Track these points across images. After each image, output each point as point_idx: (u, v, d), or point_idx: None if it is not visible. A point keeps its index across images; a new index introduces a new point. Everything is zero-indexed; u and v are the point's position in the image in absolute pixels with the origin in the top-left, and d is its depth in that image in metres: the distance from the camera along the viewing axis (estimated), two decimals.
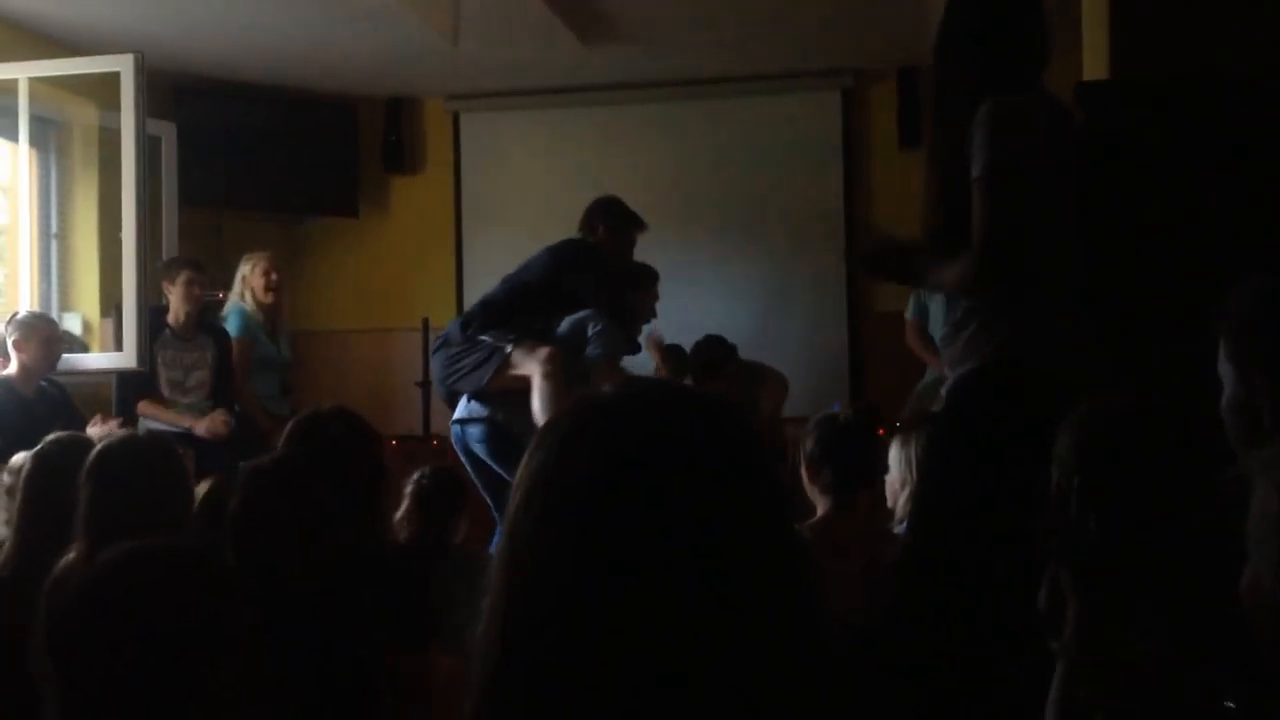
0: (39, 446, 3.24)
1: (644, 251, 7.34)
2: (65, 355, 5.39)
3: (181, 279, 5.57)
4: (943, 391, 2.86)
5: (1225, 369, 1.77)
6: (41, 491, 3.02)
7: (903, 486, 3.81)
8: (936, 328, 5.43)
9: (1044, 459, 2.72)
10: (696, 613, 0.93)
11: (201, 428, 5.35)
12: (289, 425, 2.88)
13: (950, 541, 2.61)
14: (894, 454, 3.88)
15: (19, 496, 3.13)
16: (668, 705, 0.92)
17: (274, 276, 6.00)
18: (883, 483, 3.70)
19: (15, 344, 5.04)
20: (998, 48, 2.77)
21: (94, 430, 4.80)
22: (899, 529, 3.60)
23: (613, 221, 5.20)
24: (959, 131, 2.70)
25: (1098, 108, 3.12)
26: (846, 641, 1.10)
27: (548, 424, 1.02)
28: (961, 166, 2.64)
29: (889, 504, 3.74)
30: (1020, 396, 2.63)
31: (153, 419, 5.40)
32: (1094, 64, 3.48)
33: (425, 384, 6.79)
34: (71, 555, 2.86)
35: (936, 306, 5.45)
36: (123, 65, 5.48)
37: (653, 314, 5.61)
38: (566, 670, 0.93)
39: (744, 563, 0.96)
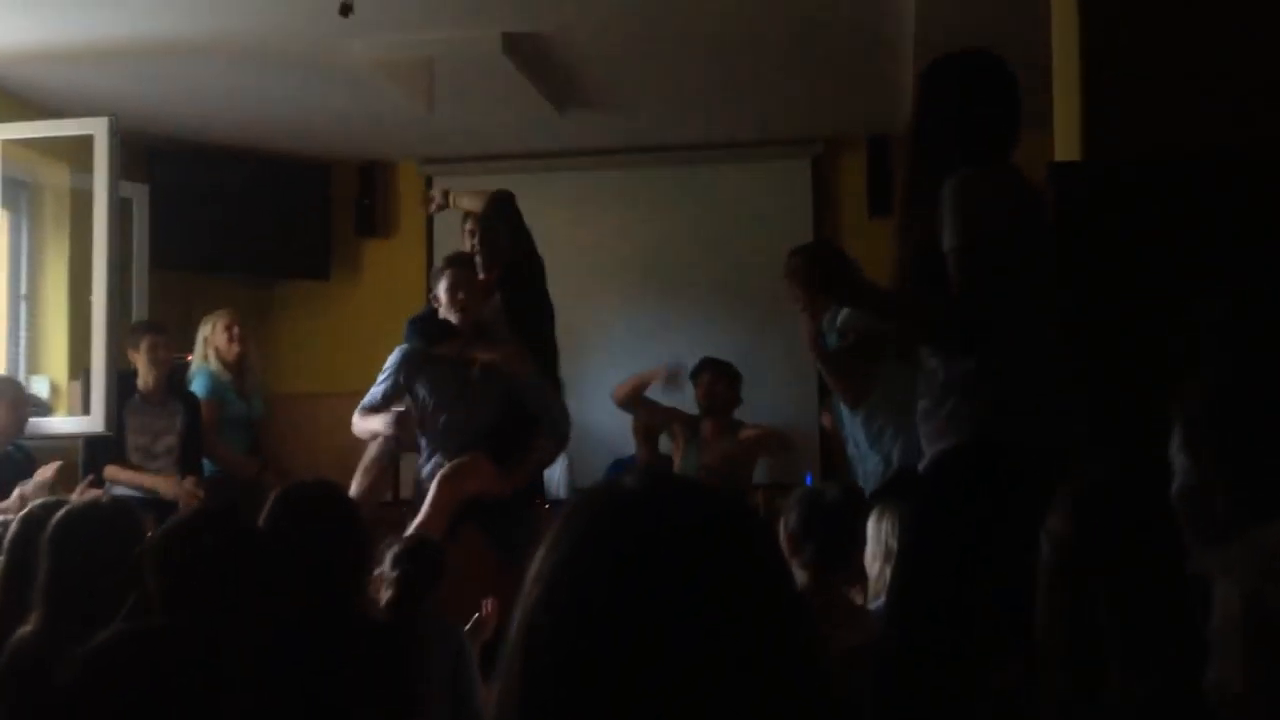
0: (25, 510, 3.20)
1: (614, 315, 7.40)
2: (32, 419, 5.34)
3: (145, 344, 5.55)
4: (920, 468, 2.87)
5: (1178, 457, 1.77)
6: (25, 557, 2.98)
7: (877, 561, 3.81)
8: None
9: (1024, 538, 2.74)
10: (720, 697, 0.93)
11: (179, 499, 5.28)
12: (273, 496, 2.85)
13: (929, 622, 2.61)
14: (870, 528, 3.88)
15: (45, 567, 3.09)
16: None
17: (236, 329, 5.99)
18: (861, 559, 3.71)
19: None
20: (968, 122, 2.81)
21: (37, 477, 4.76)
22: (874, 605, 3.60)
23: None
24: (928, 209, 2.74)
25: (1069, 188, 3.16)
26: None
27: (568, 512, 1.03)
28: (933, 240, 2.68)
29: (868, 577, 3.74)
30: (999, 474, 2.64)
31: (122, 484, 5.34)
32: (1066, 144, 3.53)
33: None
34: (29, 626, 2.82)
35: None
36: (96, 128, 5.48)
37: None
38: None
39: (767, 647, 0.96)
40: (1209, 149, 3.13)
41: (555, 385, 5.12)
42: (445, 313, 4.95)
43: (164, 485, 5.37)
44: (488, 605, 3.97)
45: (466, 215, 5.39)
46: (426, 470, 4.98)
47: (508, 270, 5.12)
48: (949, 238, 2.68)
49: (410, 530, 4.57)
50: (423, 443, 5.03)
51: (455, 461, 4.86)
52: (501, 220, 5.20)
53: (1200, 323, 2.86)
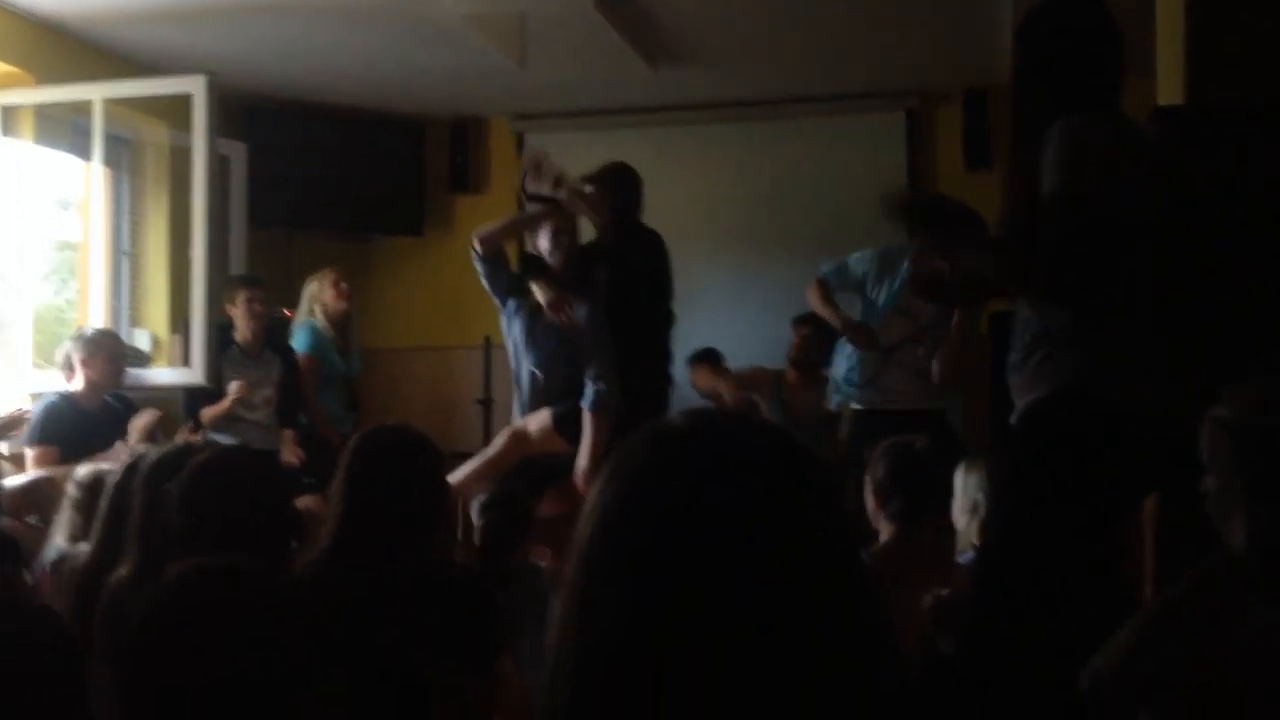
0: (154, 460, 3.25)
1: (705, 272, 7.36)
2: (134, 371, 5.46)
3: (241, 298, 5.64)
4: (1013, 419, 2.82)
5: None
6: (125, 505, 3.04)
7: (965, 514, 3.77)
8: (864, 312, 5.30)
9: (1116, 488, 2.69)
10: (770, 644, 0.92)
11: (283, 453, 5.39)
12: (351, 442, 2.88)
13: (1023, 573, 2.57)
14: (957, 482, 3.84)
15: (102, 512, 3.16)
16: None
17: (343, 286, 6.07)
18: (948, 513, 3.67)
19: (82, 360, 5.12)
20: (1072, 65, 2.74)
21: (133, 424, 4.87)
22: (963, 558, 3.56)
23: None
24: (1034, 152, 2.67)
25: (1173, 133, 3.07)
26: (913, 674, 1.08)
27: (620, 454, 1.02)
28: (1037, 187, 2.61)
29: (957, 530, 3.70)
30: (1092, 425, 2.59)
31: (212, 418, 5.44)
32: (1169, 88, 3.44)
33: (486, 401, 6.81)
34: (123, 571, 2.88)
35: (887, 321, 5.24)
36: (195, 86, 5.56)
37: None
38: (639, 704, 0.93)
39: (818, 594, 0.95)
40: None
41: (643, 370, 4.98)
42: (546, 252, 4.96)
43: (237, 388, 5.44)
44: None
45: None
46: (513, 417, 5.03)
47: (613, 240, 5.08)
48: (1048, 183, 2.62)
49: (459, 475, 4.60)
50: None
51: (521, 421, 4.89)
52: (618, 187, 5.14)
53: None
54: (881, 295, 5.29)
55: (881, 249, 5.39)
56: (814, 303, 5.42)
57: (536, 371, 4.91)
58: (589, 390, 4.72)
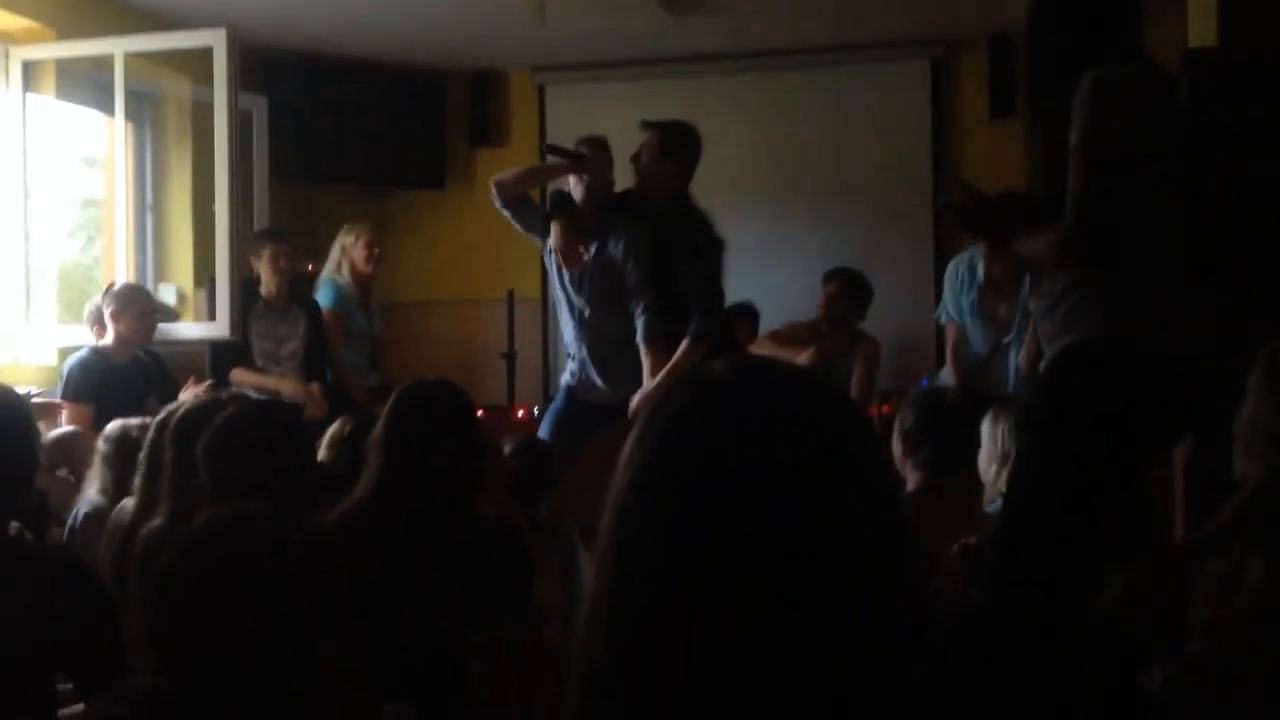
0: (158, 418, 3.27)
1: (733, 224, 7.32)
2: (161, 325, 5.49)
3: (266, 253, 5.64)
4: (1042, 366, 2.81)
5: None
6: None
7: (993, 464, 3.76)
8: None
9: (1144, 435, 2.68)
10: (808, 590, 0.92)
11: (307, 405, 5.41)
12: (395, 393, 2.88)
13: (1051, 520, 2.56)
14: (985, 430, 3.83)
15: (142, 463, 3.18)
16: (775, 683, 0.91)
17: (376, 250, 6.07)
18: (976, 461, 3.66)
19: (112, 315, 5.14)
20: (1093, 11, 2.71)
21: (185, 394, 4.90)
22: (991, 508, 3.55)
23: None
24: (1060, 102, 2.65)
25: (1204, 76, 3.03)
26: (942, 622, 1.08)
27: (659, 401, 1.02)
28: (1063, 136, 2.59)
29: (984, 480, 3.70)
30: (1122, 372, 2.58)
31: (248, 386, 5.47)
32: (1200, 30, 3.39)
33: (510, 355, 6.83)
34: (158, 521, 2.91)
35: (975, 328, 5.36)
36: (215, 40, 5.55)
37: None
38: (673, 652, 0.93)
39: (856, 541, 0.94)
40: None
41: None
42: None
43: (288, 386, 5.49)
44: None
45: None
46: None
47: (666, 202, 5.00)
48: (1075, 135, 2.60)
49: None
50: None
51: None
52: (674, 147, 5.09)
53: None
54: (964, 307, 5.36)
55: (948, 269, 5.56)
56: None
57: (585, 309, 4.87)
58: (640, 323, 4.70)
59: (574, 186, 4.95)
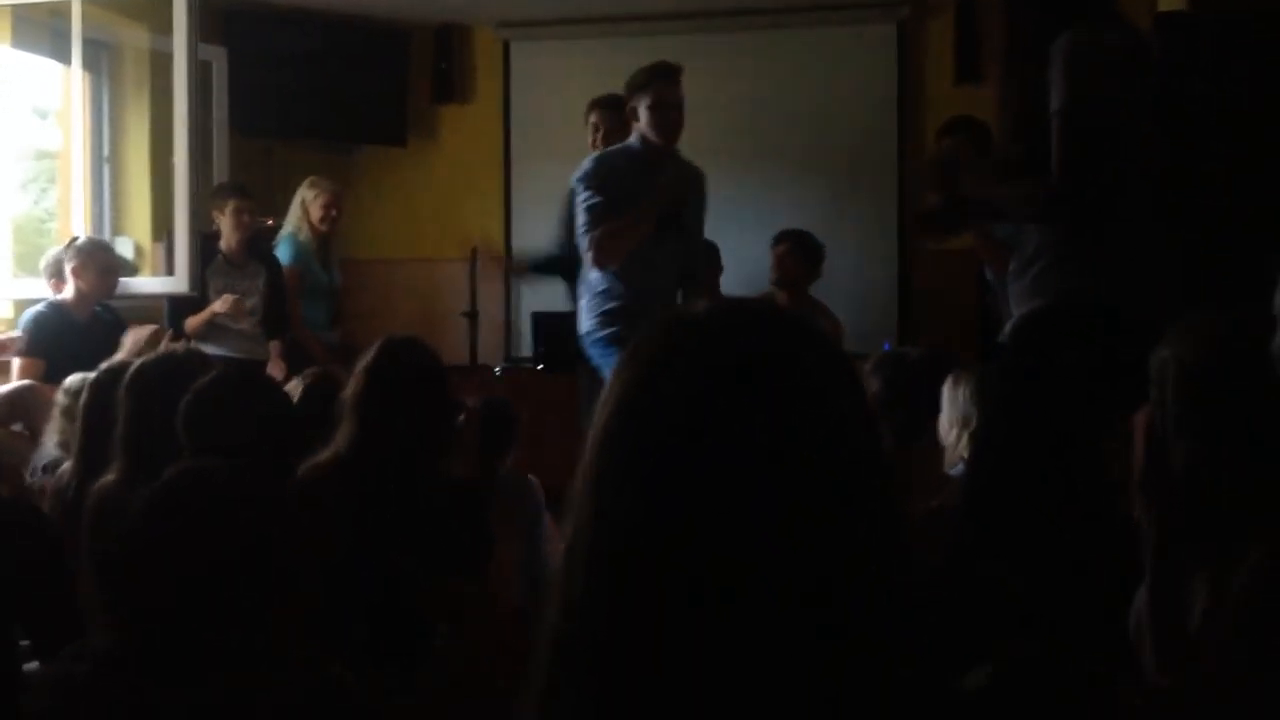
0: (95, 373, 3.24)
1: None
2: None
3: (229, 208, 5.57)
4: (1008, 329, 2.81)
5: None
6: (102, 419, 3.03)
7: (954, 427, 3.77)
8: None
9: (1114, 397, 2.68)
10: (788, 529, 0.90)
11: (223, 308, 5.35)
12: (371, 352, 2.85)
13: (1016, 482, 2.57)
14: (946, 394, 3.83)
15: (79, 420, 3.15)
16: (757, 626, 0.90)
17: (334, 211, 6.00)
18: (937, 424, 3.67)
19: (74, 270, 5.07)
20: None
21: (130, 337, 4.83)
22: (953, 471, 3.57)
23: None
24: (1034, 64, 2.64)
25: (1175, 40, 3.03)
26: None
27: (637, 341, 1.00)
28: (1040, 100, 2.59)
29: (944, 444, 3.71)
30: (1092, 334, 2.59)
31: (195, 327, 5.39)
32: None
33: (472, 314, 6.79)
34: (111, 476, 2.87)
35: None
36: None
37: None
38: (653, 599, 0.91)
39: (838, 478, 0.93)
40: None
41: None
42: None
43: (223, 303, 5.40)
44: None
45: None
46: None
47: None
48: (1056, 99, 2.60)
49: None
50: None
51: None
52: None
53: None
54: None
55: None
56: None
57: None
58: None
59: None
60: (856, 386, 1.00)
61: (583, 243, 4.33)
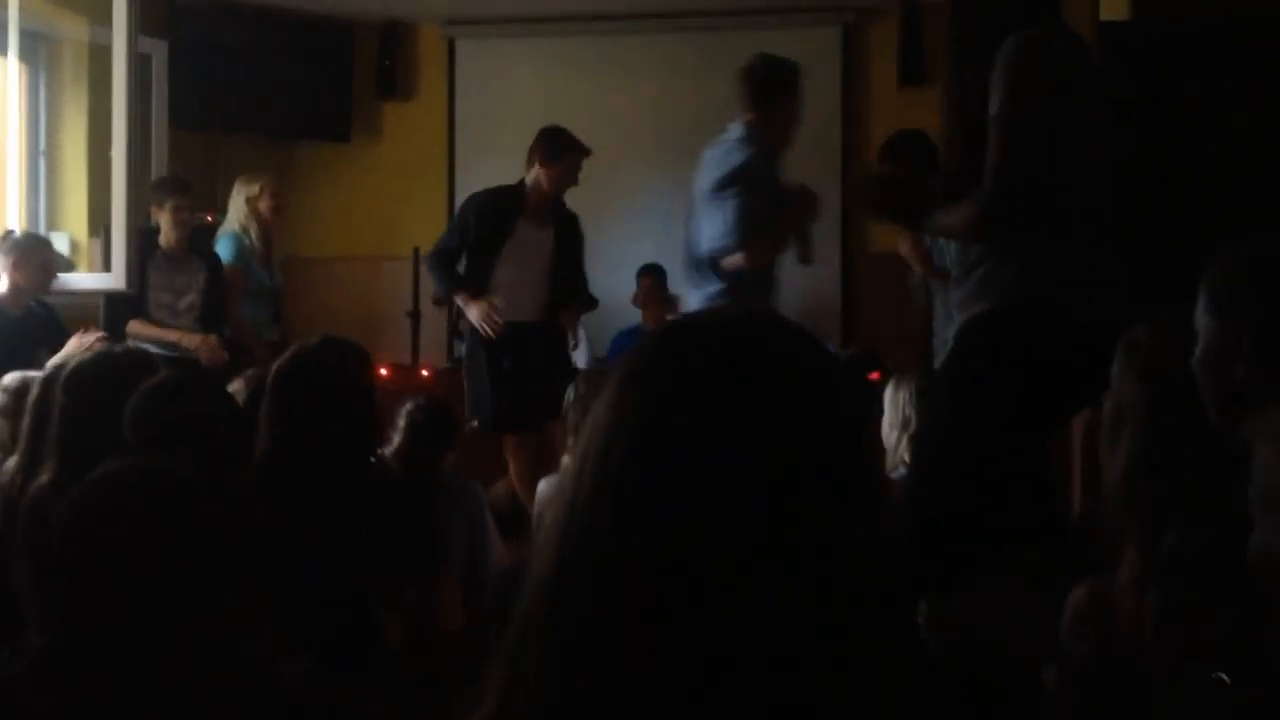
0: (44, 370, 3.19)
1: (638, 184, 7.31)
2: None
3: (170, 205, 5.49)
4: (950, 335, 2.83)
5: (1202, 320, 1.73)
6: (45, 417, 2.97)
7: (895, 430, 3.81)
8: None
9: (1053, 402, 2.72)
10: (788, 530, 0.90)
11: (201, 354, 5.32)
12: (277, 362, 2.83)
13: (959, 485, 2.59)
14: (887, 397, 3.87)
15: (27, 418, 3.09)
16: (758, 627, 0.89)
17: (278, 199, 5.95)
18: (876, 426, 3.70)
19: (12, 264, 4.99)
20: None
21: (74, 342, 4.78)
22: (894, 475, 3.59)
23: (549, 151, 5.27)
24: (976, 69, 2.66)
25: (1117, 48, 3.07)
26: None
27: (628, 353, 1.00)
28: (981, 106, 2.60)
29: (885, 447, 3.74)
30: (1036, 338, 2.61)
31: (145, 339, 5.34)
32: (1112, 3, 3.43)
33: (415, 314, 6.75)
34: (44, 478, 2.83)
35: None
36: None
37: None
38: (653, 594, 0.90)
39: (838, 479, 0.93)
40: (1256, 9, 3.04)
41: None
42: None
43: (187, 339, 5.37)
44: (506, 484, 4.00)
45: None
46: None
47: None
48: (995, 104, 2.61)
49: None
50: None
51: None
52: None
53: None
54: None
55: None
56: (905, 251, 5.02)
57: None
58: None
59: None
60: (848, 390, 0.99)
61: (731, 241, 4.26)
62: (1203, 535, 1.66)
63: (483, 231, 5.23)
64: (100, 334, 5.00)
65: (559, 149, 5.23)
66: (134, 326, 5.38)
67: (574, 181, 5.35)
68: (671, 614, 0.90)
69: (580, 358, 6.63)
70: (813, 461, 0.93)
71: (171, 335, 5.39)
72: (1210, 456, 1.68)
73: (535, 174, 5.26)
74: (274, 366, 2.80)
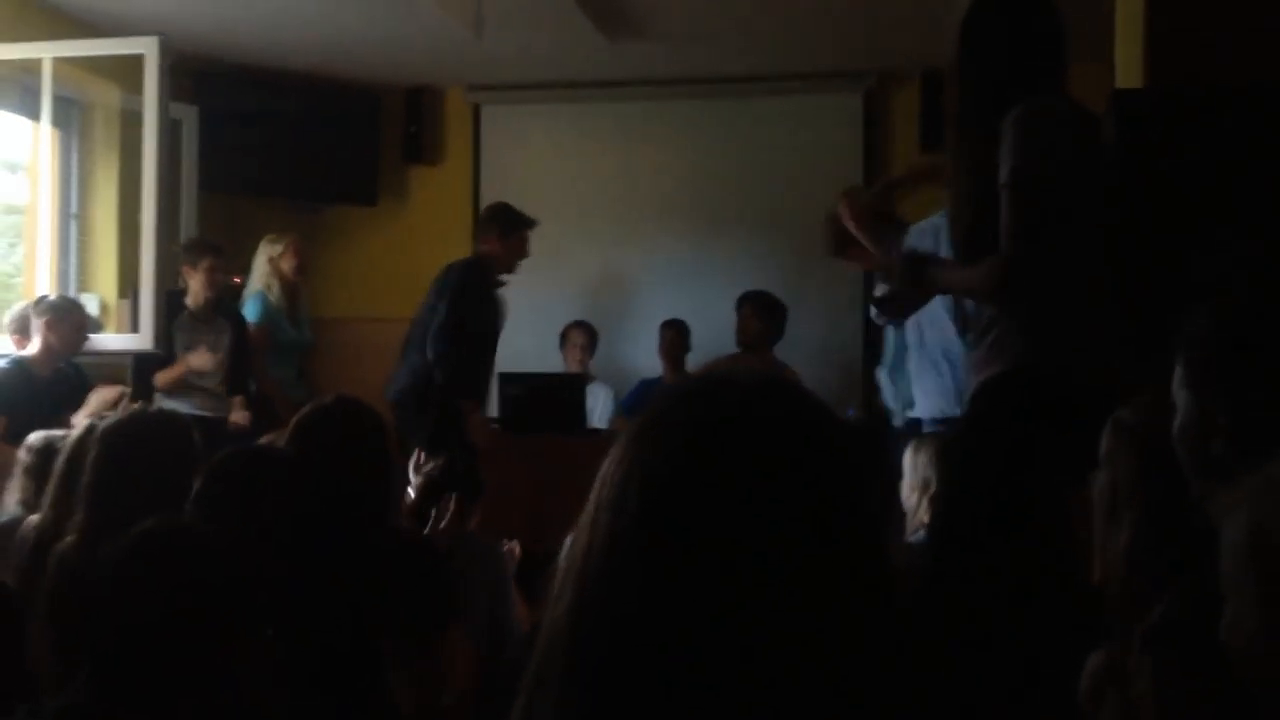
0: (77, 430, 3.21)
1: (663, 249, 7.37)
2: None
3: (204, 265, 5.57)
4: (967, 397, 2.84)
5: (1179, 394, 1.73)
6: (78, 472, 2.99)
7: (914, 492, 3.80)
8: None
9: (1071, 464, 2.71)
10: (775, 604, 0.92)
11: (236, 416, 5.38)
12: (294, 419, 2.86)
13: (978, 547, 2.59)
14: (907, 460, 3.86)
15: (56, 476, 3.11)
16: (742, 697, 0.91)
17: (302, 259, 6.04)
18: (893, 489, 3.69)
19: (47, 324, 5.05)
20: (1018, 51, 2.76)
21: (95, 397, 4.82)
22: (914, 538, 3.58)
23: (501, 228, 5.62)
24: (982, 136, 2.69)
25: (1132, 116, 3.10)
26: None
27: (645, 412, 1.02)
28: (989, 172, 2.63)
29: (906, 509, 3.73)
30: (1048, 402, 2.61)
31: (166, 384, 5.39)
32: (1128, 72, 3.46)
33: None
34: (71, 537, 2.84)
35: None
36: (146, 47, 5.48)
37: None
38: (642, 655, 0.92)
39: (826, 548, 0.94)
40: (1275, 78, 3.06)
41: None
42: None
43: (197, 360, 5.43)
44: (514, 546, 3.99)
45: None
46: None
47: None
48: (1005, 172, 2.64)
49: None
50: None
51: None
52: None
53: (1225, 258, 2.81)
54: None
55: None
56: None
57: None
58: None
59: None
60: (853, 452, 1.01)
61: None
62: (1188, 610, 1.65)
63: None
64: (122, 389, 5.04)
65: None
66: (160, 377, 5.43)
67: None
68: (679, 662, 0.91)
69: (604, 409, 6.67)
70: (815, 521, 0.94)
71: (182, 365, 5.43)
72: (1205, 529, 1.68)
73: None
74: (292, 421, 2.83)
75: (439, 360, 5.45)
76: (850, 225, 3.91)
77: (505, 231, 5.58)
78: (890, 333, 5.04)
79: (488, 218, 5.71)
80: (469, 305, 5.50)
